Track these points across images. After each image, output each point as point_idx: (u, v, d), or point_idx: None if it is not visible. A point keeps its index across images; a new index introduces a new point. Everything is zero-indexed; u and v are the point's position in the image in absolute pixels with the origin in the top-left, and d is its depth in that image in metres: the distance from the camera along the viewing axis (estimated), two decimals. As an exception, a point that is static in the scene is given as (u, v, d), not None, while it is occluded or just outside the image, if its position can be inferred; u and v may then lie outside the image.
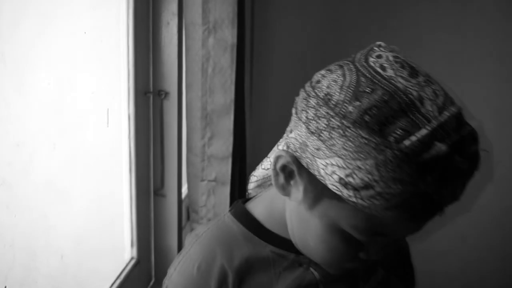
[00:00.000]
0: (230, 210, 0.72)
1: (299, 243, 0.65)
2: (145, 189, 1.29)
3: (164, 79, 1.26)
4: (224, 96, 1.21)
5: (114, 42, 1.15)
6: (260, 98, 1.71)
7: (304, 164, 0.58)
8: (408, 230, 0.59)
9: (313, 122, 0.56)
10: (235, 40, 1.17)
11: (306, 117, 0.57)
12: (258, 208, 0.71)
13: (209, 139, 1.24)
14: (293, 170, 0.60)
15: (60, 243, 0.99)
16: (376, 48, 0.59)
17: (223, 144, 1.24)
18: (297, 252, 0.67)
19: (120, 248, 1.25)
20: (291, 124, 0.61)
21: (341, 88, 0.55)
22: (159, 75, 1.26)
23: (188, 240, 0.73)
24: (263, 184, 0.74)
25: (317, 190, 0.58)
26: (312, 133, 0.55)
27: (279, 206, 0.68)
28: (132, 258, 1.25)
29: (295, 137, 0.59)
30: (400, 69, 0.55)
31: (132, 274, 1.21)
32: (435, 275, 1.93)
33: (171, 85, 1.26)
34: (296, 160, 0.59)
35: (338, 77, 0.57)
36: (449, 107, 0.53)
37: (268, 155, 0.74)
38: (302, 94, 0.60)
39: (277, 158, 0.61)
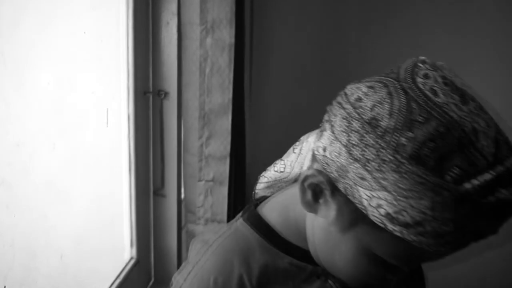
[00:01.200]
0: (242, 216, 0.69)
1: (323, 260, 0.63)
2: (144, 189, 1.29)
3: (164, 79, 1.26)
4: (222, 96, 1.21)
5: (114, 42, 1.15)
6: (260, 98, 1.71)
7: (342, 189, 0.54)
8: (443, 256, 0.57)
9: (357, 148, 0.51)
10: (233, 40, 1.17)
11: (348, 141, 0.52)
12: (272, 215, 0.68)
13: (207, 139, 1.24)
14: (325, 191, 0.57)
15: (60, 243, 0.99)
16: (421, 65, 0.55)
17: (221, 144, 1.23)
18: (314, 263, 0.65)
19: (120, 248, 1.25)
20: (324, 140, 0.56)
21: (390, 114, 0.51)
22: (158, 75, 1.26)
23: (194, 246, 0.70)
24: (273, 185, 0.72)
25: (354, 216, 0.55)
26: (356, 160, 0.51)
27: (294, 214, 0.65)
28: (131, 258, 1.25)
29: (332, 157, 0.54)
30: (451, 94, 0.51)
31: (131, 274, 1.21)
32: (435, 278, 1.93)
33: (170, 85, 1.26)
34: (331, 182, 0.55)
35: (384, 98, 0.52)
36: (504, 146, 0.50)
37: (283, 158, 0.70)
38: (339, 111, 0.55)
39: (308, 177, 0.57)
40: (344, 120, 0.54)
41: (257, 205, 0.71)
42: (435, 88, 0.51)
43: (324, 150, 0.56)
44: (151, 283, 1.36)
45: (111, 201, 1.23)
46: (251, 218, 0.68)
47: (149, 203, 1.32)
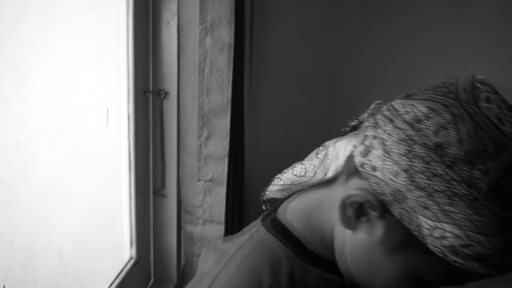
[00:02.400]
0: (263, 224, 0.66)
1: (357, 275, 0.60)
2: (144, 189, 1.29)
3: (164, 79, 1.26)
4: (221, 95, 1.20)
5: (114, 42, 1.15)
6: (260, 98, 1.71)
7: (395, 213, 0.52)
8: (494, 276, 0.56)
9: (422, 176, 0.49)
10: (232, 40, 1.17)
11: (410, 167, 0.49)
12: (295, 223, 0.65)
13: (206, 139, 1.23)
14: (369, 210, 0.54)
15: (59, 242, 0.99)
16: (480, 86, 0.52)
17: (220, 144, 1.23)
18: (338, 273, 0.63)
19: (120, 248, 1.25)
20: (374, 159, 0.53)
21: (458, 142, 0.48)
22: (159, 74, 1.26)
23: (207, 256, 0.67)
24: (286, 189, 0.69)
25: (404, 240, 0.53)
26: (419, 188, 0.49)
27: (320, 224, 0.63)
28: (131, 258, 1.25)
29: (385, 180, 0.51)
30: None
31: (131, 273, 1.21)
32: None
33: (171, 84, 1.26)
34: (381, 204, 0.53)
35: (449, 123, 0.49)
36: None
37: (303, 162, 0.67)
38: (393, 130, 0.52)
39: (352, 195, 0.55)
40: (403, 143, 0.50)
41: (275, 210, 0.68)
42: (500, 115, 0.49)
43: (374, 169, 0.53)
44: (150, 283, 1.36)
45: (111, 201, 1.23)
46: (274, 227, 0.65)
47: (149, 203, 1.32)
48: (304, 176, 0.65)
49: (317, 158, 0.65)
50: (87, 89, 1.06)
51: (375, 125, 0.55)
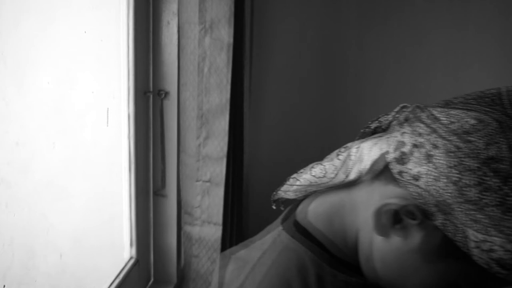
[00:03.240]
0: (285, 228, 0.65)
1: (387, 279, 0.60)
2: (144, 188, 1.29)
3: (164, 79, 1.26)
4: (219, 95, 1.20)
5: (114, 42, 1.16)
6: (260, 98, 1.72)
7: (438, 224, 0.51)
8: None
9: (474, 190, 0.48)
10: (231, 40, 1.17)
11: (460, 179, 0.49)
12: (317, 227, 0.64)
13: (205, 139, 1.23)
14: (406, 218, 0.54)
15: (59, 242, 0.99)
16: None
17: (218, 145, 1.23)
18: (363, 277, 0.62)
19: (120, 248, 1.25)
20: (414, 167, 0.52)
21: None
22: (159, 74, 1.26)
23: (225, 264, 0.66)
24: (301, 190, 0.68)
25: (444, 250, 0.53)
26: (469, 201, 0.48)
27: (342, 228, 0.62)
28: (131, 258, 1.25)
29: (430, 190, 0.51)
30: None
31: (131, 273, 1.21)
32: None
33: (171, 84, 1.26)
34: (422, 213, 0.52)
35: (498, 135, 0.49)
36: None
37: (323, 163, 0.66)
38: (437, 139, 0.52)
39: (390, 204, 0.54)
40: (452, 155, 0.50)
41: (292, 213, 0.67)
42: None
43: (416, 179, 0.52)
44: (150, 282, 1.36)
45: (111, 200, 1.23)
46: (297, 231, 0.64)
47: (149, 202, 1.32)
48: (323, 177, 0.64)
49: (338, 159, 0.63)
50: (87, 88, 1.06)
51: (413, 132, 0.54)
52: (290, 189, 0.69)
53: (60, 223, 0.99)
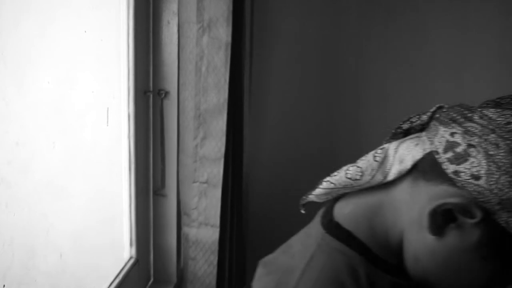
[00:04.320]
0: (328, 231, 0.65)
1: (438, 280, 0.61)
2: (144, 188, 1.29)
3: (164, 79, 1.26)
4: (217, 95, 1.19)
5: (114, 42, 1.15)
6: (260, 97, 1.71)
7: (501, 222, 0.53)
8: None
9: None
10: (229, 39, 1.16)
11: None
12: (359, 229, 0.64)
13: (202, 140, 1.22)
14: (462, 217, 0.55)
15: (59, 241, 0.99)
16: None
17: (216, 145, 1.21)
18: (406, 277, 0.63)
19: (120, 247, 1.25)
20: (472, 167, 0.54)
21: None
22: (159, 74, 1.26)
23: (264, 274, 0.66)
24: (332, 192, 0.69)
25: (501, 246, 0.54)
26: None
27: (383, 228, 0.63)
28: (131, 258, 1.25)
29: (492, 189, 0.53)
30: None
31: (131, 273, 1.21)
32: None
33: (171, 84, 1.26)
34: (483, 212, 0.53)
35: None
36: None
37: (358, 165, 0.67)
38: (496, 139, 0.53)
39: (446, 204, 0.55)
40: None
41: (328, 212, 0.68)
42: None
43: (476, 178, 0.53)
44: (150, 282, 1.36)
45: (111, 200, 1.23)
46: (341, 234, 0.64)
47: (149, 202, 1.32)
48: (359, 179, 0.64)
49: (375, 160, 0.64)
50: (87, 88, 1.06)
51: (466, 132, 0.55)
52: (323, 192, 0.69)
53: (60, 223, 0.99)
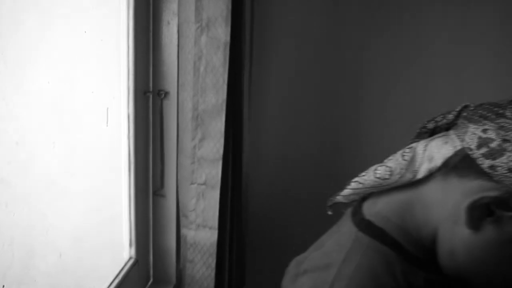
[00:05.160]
0: (362, 230, 0.66)
1: (475, 274, 0.62)
2: (144, 189, 1.29)
3: (164, 79, 1.26)
4: (215, 96, 1.18)
5: (114, 42, 1.15)
6: (260, 98, 1.71)
7: None
8: None
9: None
10: (228, 39, 1.15)
11: None
12: (390, 226, 0.66)
13: (200, 141, 1.21)
14: (497, 211, 0.57)
15: (59, 241, 0.99)
16: None
17: (214, 146, 1.21)
18: (441, 274, 0.64)
19: (119, 248, 1.25)
20: (507, 161, 0.56)
21: None
22: (159, 74, 1.26)
23: (301, 272, 0.67)
24: (359, 193, 0.70)
25: None
26: None
27: (415, 225, 0.64)
28: (130, 258, 1.25)
29: None
30: None
31: (130, 273, 1.21)
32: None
33: (171, 85, 1.26)
34: None
35: None
36: None
37: (387, 164, 0.68)
38: None
39: (484, 198, 0.57)
40: None
41: (357, 211, 0.69)
42: None
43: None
44: (150, 283, 1.36)
45: (111, 200, 1.23)
46: (374, 232, 0.65)
47: (149, 203, 1.32)
48: (389, 178, 0.66)
49: (404, 160, 0.65)
50: (87, 88, 1.06)
51: (500, 128, 0.57)
52: (351, 192, 0.71)
53: (60, 223, 0.99)
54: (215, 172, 1.21)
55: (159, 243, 1.35)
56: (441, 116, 0.66)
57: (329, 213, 0.75)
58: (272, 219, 1.74)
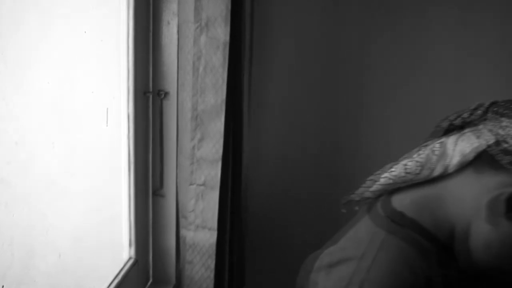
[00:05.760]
0: (394, 221, 0.67)
1: (493, 268, 0.64)
2: (143, 189, 1.29)
3: (164, 79, 1.26)
4: (215, 96, 1.18)
5: (114, 42, 1.16)
6: (261, 98, 1.71)
7: None
8: None
9: None
10: (227, 38, 1.15)
11: None
12: (422, 218, 0.67)
13: (199, 141, 1.21)
14: None
15: (59, 241, 0.99)
16: None
17: (213, 147, 1.20)
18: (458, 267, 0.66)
19: (119, 248, 1.25)
20: None
21: None
22: (158, 75, 1.26)
23: (334, 263, 0.67)
24: (387, 188, 0.71)
25: None
26: None
27: (446, 220, 0.65)
28: (130, 258, 1.25)
29: None
30: None
31: (130, 273, 1.21)
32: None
33: (170, 85, 1.26)
34: None
35: None
36: None
37: (416, 159, 0.69)
38: None
39: (504, 193, 0.58)
40: None
41: (389, 206, 0.70)
42: None
43: None
44: (149, 283, 1.36)
45: (110, 200, 1.23)
46: (407, 222, 0.66)
47: (148, 203, 1.32)
48: (419, 173, 0.67)
49: (435, 155, 0.66)
50: (87, 89, 1.06)
51: None
52: (381, 188, 0.72)
53: (59, 223, 0.99)
54: (214, 173, 1.20)
55: (158, 243, 1.35)
56: (468, 112, 0.67)
57: (343, 211, 0.76)
58: (272, 219, 1.73)
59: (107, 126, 1.15)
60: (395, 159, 0.74)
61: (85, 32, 1.01)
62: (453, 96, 1.61)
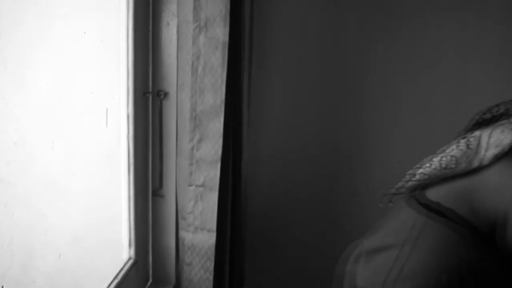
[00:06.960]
0: (433, 210, 0.69)
1: None
2: (143, 189, 1.29)
3: (164, 80, 1.26)
4: (214, 96, 1.18)
5: (114, 42, 1.16)
6: (260, 98, 1.71)
7: None
8: None
9: None
10: (227, 38, 1.15)
11: None
12: (460, 209, 0.68)
13: (198, 142, 1.21)
14: None
15: (58, 242, 0.99)
16: None
17: (212, 148, 1.20)
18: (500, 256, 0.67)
19: (118, 248, 1.25)
20: None
21: None
22: (158, 75, 1.26)
23: (373, 251, 0.68)
24: (422, 183, 0.73)
25: None
26: None
27: (485, 210, 0.67)
28: (130, 258, 1.25)
29: None
30: None
31: (129, 274, 1.21)
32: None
33: (170, 85, 1.26)
34: None
35: None
36: None
37: (451, 154, 0.71)
38: None
39: None
40: None
41: (425, 198, 0.71)
42: None
43: None
44: (149, 283, 1.36)
45: (110, 200, 1.23)
46: (447, 211, 0.68)
47: (148, 203, 1.32)
48: (455, 167, 0.69)
49: (469, 148, 0.68)
50: (87, 89, 1.06)
51: None
52: (416, 184, 0.74)
53: (59, 223, 0.99)
54: (214, 173, 1.20)
55: (158, 243, 1.35)
56: (497, 107, 0.69)
57: (380, 205, 0.77)
58: (272, 219, 1.73)
59: (106, 126, 1.16)
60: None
61: (84, 32, 1.01)
62: (453, 96, 1.61)
